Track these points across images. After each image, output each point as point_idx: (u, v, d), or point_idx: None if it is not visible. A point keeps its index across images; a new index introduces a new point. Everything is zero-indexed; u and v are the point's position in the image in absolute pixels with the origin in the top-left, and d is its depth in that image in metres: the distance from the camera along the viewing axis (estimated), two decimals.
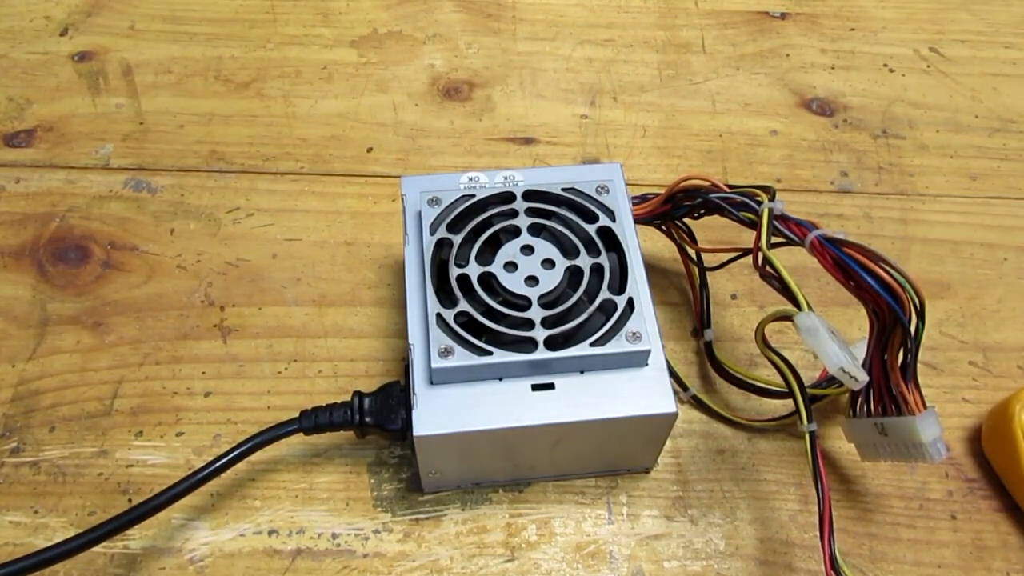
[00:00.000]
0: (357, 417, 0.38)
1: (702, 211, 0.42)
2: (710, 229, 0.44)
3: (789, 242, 0.38)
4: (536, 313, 0.37)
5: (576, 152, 0.54)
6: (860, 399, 0.38)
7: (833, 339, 0.35)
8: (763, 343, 0.38)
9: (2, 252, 0.49)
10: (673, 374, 0.42)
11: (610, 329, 0.36)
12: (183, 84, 0.57)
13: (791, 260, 0.38)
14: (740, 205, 0.39)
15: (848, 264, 0.35)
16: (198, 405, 0.43)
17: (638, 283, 0.38)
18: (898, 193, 0.53)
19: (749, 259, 0.46)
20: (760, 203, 0.38)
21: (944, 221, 0.52)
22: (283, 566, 0.39)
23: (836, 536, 0.40)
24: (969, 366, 0.46)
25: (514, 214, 0.40)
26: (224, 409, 0.43)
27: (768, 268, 0.37)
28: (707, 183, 0.41)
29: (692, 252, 0.45)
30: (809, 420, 0.36)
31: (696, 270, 0.46)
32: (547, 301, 0.37)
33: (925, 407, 0.36)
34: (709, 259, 0.46)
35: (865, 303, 0.36)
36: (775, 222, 0.38)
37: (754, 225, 0.38)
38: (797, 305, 0.36)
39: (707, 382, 0.45)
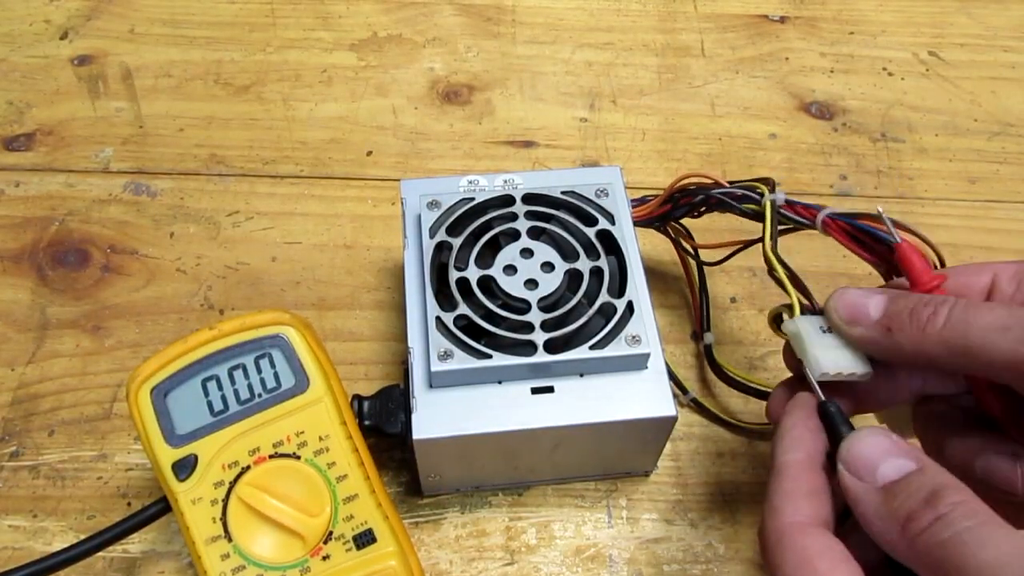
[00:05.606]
0: (356, 420, 0.38)
1: (703, 209, 0.41)
2: (710, 232, 0.44)
3: (799, 227, 0.37)
4: (535, 316, 0.37)
5: (575, 155, 0.54)
6: None
7: (819, 342, 0.33)
8: (772, 324, 0.37)
9: (1, 256, 0.49)
10: (673, 377, 0.42)
11: (609, 332, 0.36)
12: (183, 88, 0.57)
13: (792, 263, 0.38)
14: (741, 198, 0.39)
15: (863, 229, 0.35)
16: None
17: (637, 286, 0.38)
18: (897, 196, 0.53)
19: (749, 262, 0.46)
20: (761, 195, 0.38)
21: (943, 224, 0.52)
22: None
23: None
24: None
25: (513, 217, 0.40)
26: None
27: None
28: (707, 180, 0.40)
29: (690, 247, 0.45)
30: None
31: (696, 273, 0.46)
32: (546, 304, 0.37)
33: None
34: (709, 258, 0.46)
35: (881, 270, 0.36)
36: (783, 210, 0.38)
37: (757, 216, 0.38)
38: (790, 308, 0.35)
39: (707, 385, 0.45)
